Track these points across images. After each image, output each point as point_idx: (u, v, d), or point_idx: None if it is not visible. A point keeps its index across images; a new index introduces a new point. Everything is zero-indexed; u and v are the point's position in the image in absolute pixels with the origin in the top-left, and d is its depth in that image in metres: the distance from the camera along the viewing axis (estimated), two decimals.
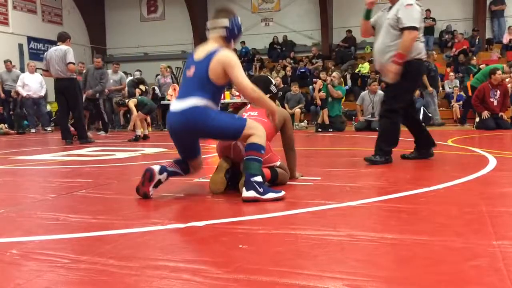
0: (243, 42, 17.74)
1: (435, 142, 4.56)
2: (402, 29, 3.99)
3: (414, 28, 3.96)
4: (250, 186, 2.69)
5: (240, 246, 1.88)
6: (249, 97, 2.88)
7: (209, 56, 2.82)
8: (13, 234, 2.15)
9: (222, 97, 12.37)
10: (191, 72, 2.87)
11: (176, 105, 2.86)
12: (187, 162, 3.09)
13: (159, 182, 2.94)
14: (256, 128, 2.82)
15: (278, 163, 3.23)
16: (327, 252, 1.79)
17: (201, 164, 3.17)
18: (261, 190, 2.69)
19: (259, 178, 2.72)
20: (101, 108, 11.11)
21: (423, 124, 4.74)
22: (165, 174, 2.94)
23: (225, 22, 2.89)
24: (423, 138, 4.45)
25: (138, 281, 1.53)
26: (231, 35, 2.92)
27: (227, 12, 2.95)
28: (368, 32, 4.47)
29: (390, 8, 4.21)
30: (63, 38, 7.91)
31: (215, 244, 1.92)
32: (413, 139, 4.53)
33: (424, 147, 4.46)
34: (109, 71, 13.08)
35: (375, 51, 4.28)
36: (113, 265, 1.67)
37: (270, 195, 2.71)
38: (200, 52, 2.89)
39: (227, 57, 2.79)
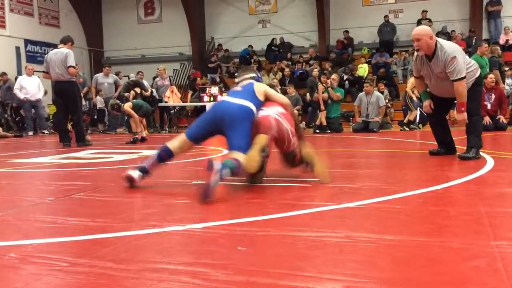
0: (250, 46, 17.64)
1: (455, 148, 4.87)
2: (453, 81, 4.40)
3: (461, 78, 4.39)
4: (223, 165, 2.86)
5: (239, 248, 1.88)
6: (284, 101, 3.55)
7: (251, 83, 3.54)
8: (11, 237, 2.14)
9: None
10: (239, 87, 3.52)
11: (232, 99, 3.32)
12: (177, 145, 3.35)
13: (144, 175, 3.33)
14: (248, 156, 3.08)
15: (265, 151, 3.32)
16: (325, 253, 1.79)
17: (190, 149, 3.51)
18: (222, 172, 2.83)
19: (227, 171, 2.86)
20: None
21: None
22: (146, 175, 3.34)
23: (253, 74, 3.69)
24: (446, 143, 4.88)
25: (137, 284, 1.52)
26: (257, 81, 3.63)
27: (253, 70, 3.91)
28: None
29: (429, 58, 4.49)
30: (65, 40, 7.93)
31: (213, 246, 1.92)
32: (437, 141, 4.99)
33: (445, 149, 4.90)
34: (100, 74, 13.10)
35: (434, 88, 4.76)
36: (111, 268, 1.67)
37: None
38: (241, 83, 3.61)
39: (264, 85, 3.58)
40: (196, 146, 3.44)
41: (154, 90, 12.86)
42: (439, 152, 4.86)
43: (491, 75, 9.35)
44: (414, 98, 10.35)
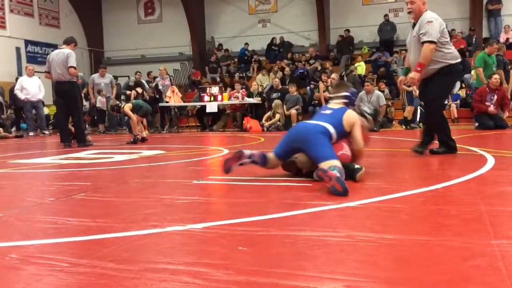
0: (246, 44, 17.65)
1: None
2: (422, 43, 4.50)
3: (431, 42, 4.47)
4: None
5: (240, 248, 1.88)
6: (360, 147, 3.60)
7: (344, 109, 3.64)
8: (11, 238, 2.14)
9: (221, 99, 12.48)
10: (329, 110, 3.64)
11: (312, 121, 3.57)
12: (271, 158, 3.55)
13: (242, 164, 3.47)
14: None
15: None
16: (326, 253, 1.79)
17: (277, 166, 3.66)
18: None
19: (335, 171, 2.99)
20: None
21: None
22: (249, 160, 3.48)
23: (346, 93, 3.78)
24: (445, 142, 4.88)
25: (137, 284, 1.52)
26: (350, 103, 3.79)
27: (346, 85, 3.99)
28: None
29: (414, 24, 4.69)
30: (68, 41, 7.95)
31: (214, 246, 1.92)
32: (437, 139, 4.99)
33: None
34: (96, 75, 13.08)
35: (411, 64, 4.80)
36: (112, 269, 1.67)
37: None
38: (333, 105, 3.72)
39: (355, 118, 3.60)
40: (204, 149, 3.48)
41: (158, 84, 12.79)
42: (440, 151, 4.87)
43: (496, 75, 9.22)
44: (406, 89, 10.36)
